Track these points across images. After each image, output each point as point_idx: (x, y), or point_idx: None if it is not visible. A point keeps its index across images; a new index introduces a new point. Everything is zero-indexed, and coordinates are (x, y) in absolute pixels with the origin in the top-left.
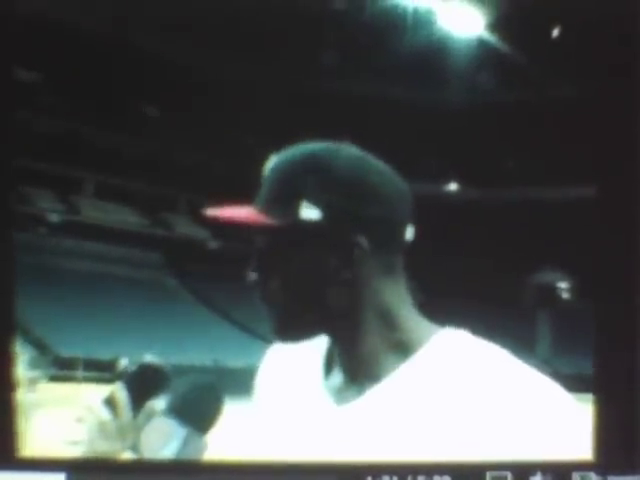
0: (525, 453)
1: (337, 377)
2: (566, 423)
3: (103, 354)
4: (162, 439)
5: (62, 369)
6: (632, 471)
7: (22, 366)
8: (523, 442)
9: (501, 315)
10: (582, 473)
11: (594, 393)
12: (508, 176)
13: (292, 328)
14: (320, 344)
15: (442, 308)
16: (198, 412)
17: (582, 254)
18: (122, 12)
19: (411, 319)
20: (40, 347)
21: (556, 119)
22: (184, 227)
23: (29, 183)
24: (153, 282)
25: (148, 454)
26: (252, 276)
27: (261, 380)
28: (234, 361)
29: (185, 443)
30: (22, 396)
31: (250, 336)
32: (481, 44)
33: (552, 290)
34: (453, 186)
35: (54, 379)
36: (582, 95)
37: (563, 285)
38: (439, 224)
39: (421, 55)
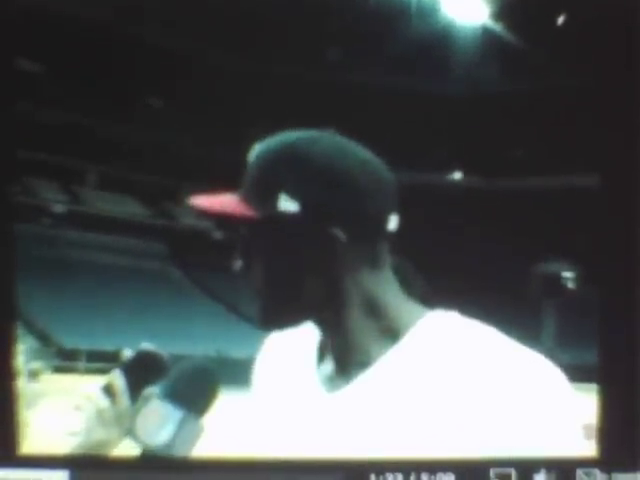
0: (518, 438)
1: (328, 365)
2: (560, 406)
3: (106, 345)
4: (158, 423)
5: (65, 360)
6: (636, 468)
7: (25, 357)
8: (516, 426)
9: (506, 305)
10: (586, 470)
11: (598, 390)
12: (513, 165)
13: (274, 317)
14: (314, 333)
15: (446, 298)
16: (193, 395)
17: (587, 244)
18: (125, 3)
19: (398, 304)
20: (43, 338)
21: (560, 108)
22: (187, 218)
23: (32, 174)
24: (156, 273)
25: (144, 438)
26: (237, 264)
27: (258, 369)
28: (237, 351)
29: (181, 426)
30: (24, 387)
31: (253, 326)
32: (485, 33)
33: (557, 280)
34: (458, 175)
35: (57, 370)
36: (587, 83)
37: (568, 275)
38: (443, 213)
39: (426, 44)
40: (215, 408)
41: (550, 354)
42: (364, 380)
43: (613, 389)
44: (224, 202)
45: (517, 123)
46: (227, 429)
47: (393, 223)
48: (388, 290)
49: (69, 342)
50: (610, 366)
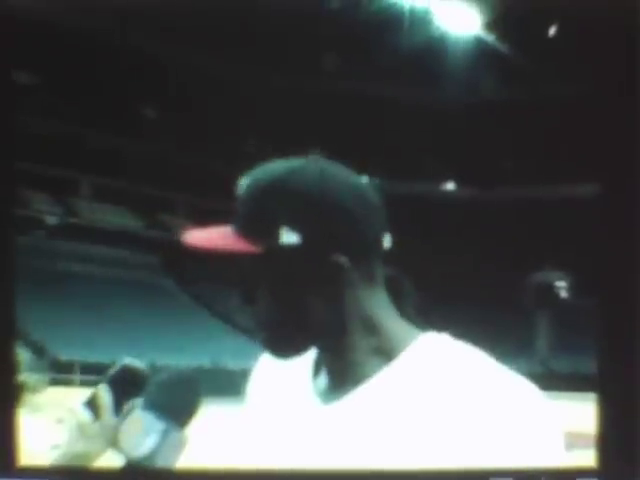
0: (498, 456)
1: (324, 379)
2: (539, 427)
3: (101, 357)
4: (141, 434)
5: (59, 372)
6: (635, 478)
7: (20, 370)
8: (497, 445)
9: (500, 314)
10: (586, 479)
11: (597, 400)
12: (506, 175)
13: (283, 347)
14: (310, 352)
15: (440, 309)
16: (175, 405)
17: (580, 253)
18: (120, 14)
19: (393, 324)
20: (37, 350)
21: (553, 118)
22: (182, 229)
23: (27, 185)
24: (151, 284)
25: (127, 449)
26: (238, 300)
27: (253, 383)
28: (232, 362)
29: (164, 437)
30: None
31: (248, 337)
32: (478, 43)
33: (551, 289)
34: (451, 186)
35: (51, 383)
36: (581, 92)
37: (562, 284)
38: (437, 224)
39: (419, 55)
40: (198, 418)
41: (544, 363)
42: (358, 395)
43: (612, 400)
44: (222, 238)
45: (511, 133)
46: (222, 440)
47: (387, 242)
48: (383, 309)
49: (64, 354)
50: (609, 378)
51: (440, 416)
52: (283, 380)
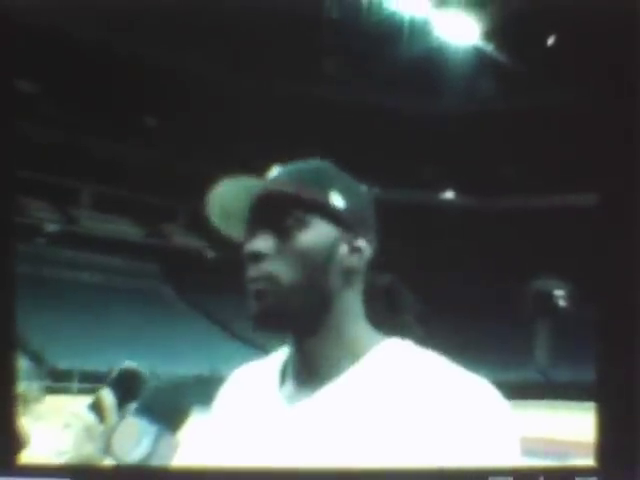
0: (453, 455)
1: (290, 384)
2: (495, 427)
3: (99, 366)
4: (133, 439)
5: (58, 381)
6: (634, 477)
7: (19, 378)
8: (452, 445)
9: (499, 324)
10: (585, 479)
11: (595, 399)
12: (505, 184)
13: (272, 316)
14: (277, 364)
15: (439, 317)
16: (167, 410)
17: (579, 261)
18: (122, 24)
19: (362, 327)
20: (36, 359)
21: (551, 127)
22: (181, 237)
23: (27, 194)
24: (150, 292)
25: (121, 454)
26: (262, 248)
27: (222, 397)
28: (231, 370)
29: (156, 442)
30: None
31: (247, 345)
32: (477, 53)
33: (550, 298)
34: (450, 194)
35: (49, 391)
36: (579, 102)
37: (560, 293)
38: (436, 232)
39: (419, 64)
40: (192, 422)
41: (543, 372)
42: (322, 396)
43: (610, 400)
44: (280, 183)
45: (509, 142)
46: (193, 443)
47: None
48: (357, 312)
49: (62, 363)
50: (607, 380)
51: (400, 416)
52: (253, 390)
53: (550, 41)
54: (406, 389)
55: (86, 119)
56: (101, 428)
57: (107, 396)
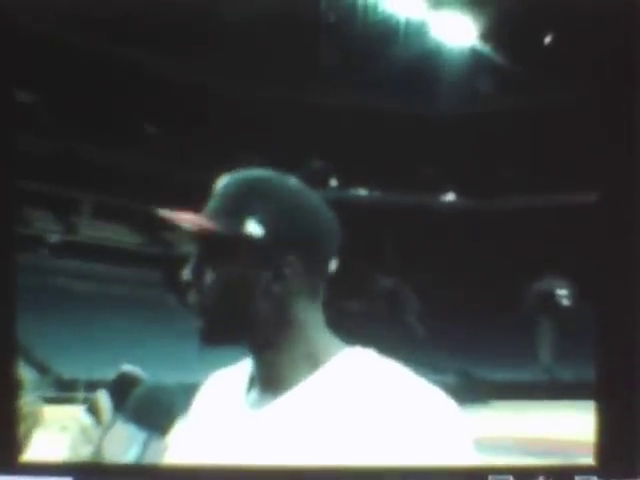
0: (408, 459)
1: (255, 391)
2: (448, 431)
3: (105, 375)
4: (122, 445)
5: (63, 391)
6: (633, 475)
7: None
8: (407, 448)
9: (502, 324)
10: (584, 477)
11: (595, 398)
12: (505, 185)
13: (217, 333)
14: (246, 369)
15: (442, 319)
16: (155, 415)
17: (582, 260)
18: (121, 32)
19: (323, 337)
20: (41, 369)
21: (551, 126)
22: (183, 244)
23: (27, 204)
24: (154, 301)
25: (110, 460)
26: (186, 276)
27: (196, 402)
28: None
29: (145, 447)
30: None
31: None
32: (475, 53)
33: (552, 297)
34: (451, 196)
35: (55, 401)
36: (579, 102)
37: (563, 292)
38: (438, 233)
39: (416, 66)
40: (177, 426)
41: (548, 372)
42: (283, 401)
43: (610, 399)
44: (192, 217)
45: (509, 143)
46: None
47: (334, 265)
48: (318, 323)
49: (67, 372)
50: (606, 379)
51: (357, 420)
52: (222, 396)
53: (547, 40)
54: (362, 395)
55: (85, 128)
56: (98, 431)
57: (103, 398)
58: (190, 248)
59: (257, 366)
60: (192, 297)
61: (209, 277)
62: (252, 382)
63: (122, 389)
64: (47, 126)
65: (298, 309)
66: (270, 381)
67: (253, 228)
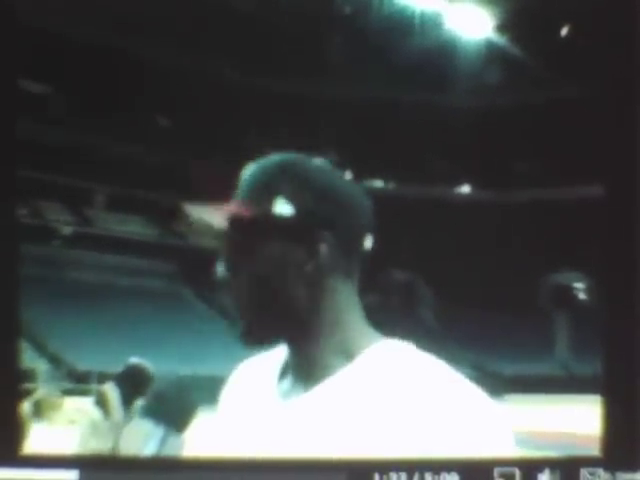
0: (444, 452)
1: (288, 381)
2: (483, 426)
3: (118, 366)
4: (140, 440)
5: (77, 382)
6: (639, 467)
7: (38, 380)
8: (443, 443)
9: (519, 318)
10: (590, 469)
11: (602, 390)
12: (521, 177)
13: (259, 329)
14: (279, 359)
15: (458, 312)
16: (173, 411)
17: (597, 254)
18: (129, 22)
19: (358, 325)
20: (55, 361)
21: (567, 119)
22: (197, 236)
23: (40, 196)
24: (168, 293)
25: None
26: (220, 273)
27: (227, 391)
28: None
29: (162, 443)
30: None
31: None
32: (490, 46)
33: (569, 291)
34: (466, 189)
35: (69, 393)
36: (593, 94)
37: (580, 286)
38: (454, 227)
39: (432, 58)
40: (195, 422)
41: (565, 366)
42: (317, 392)
43: (616, 391)
44: (223, 207)
45: (525, 135)
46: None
47: (369, 243)
48: (353, 309)
49: (81, 364)
50: (613, 370)
51: (392, 413)
52: (252, 386)
53: (563, 32)
54: (396, 388)
55: (98, 120)
56: (106, 423)
57: (110, 391)
58: (207, 242)
59: (291, 354)
60: (229, 295)
61: (242, 267)
62: (285, 370)
63: (130, 382)
64: (60, 119)
65: (333, 293)
66: (304, 370)
67: (282, 207)
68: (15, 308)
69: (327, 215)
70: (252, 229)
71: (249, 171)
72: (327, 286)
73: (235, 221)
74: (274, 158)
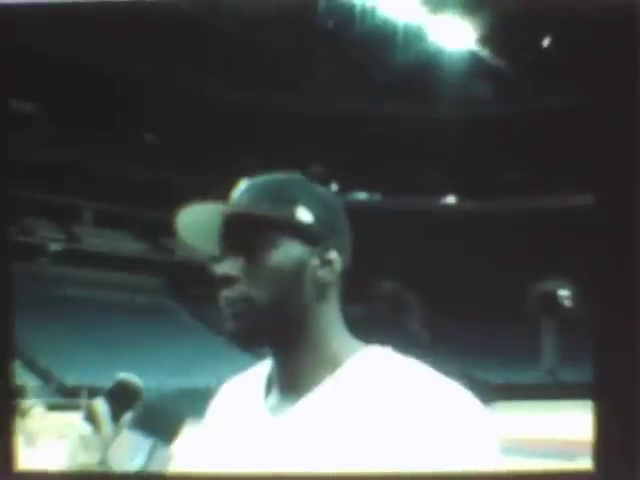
0: (434, 460)
1: (274, 395)
2: (473, 431)
3: (107, 381)
4: (128, 452)
5: (66, 397)
6: (631, 479)
7: (26, 396)
8: (432, 450)
9: (505, 326)
10: None
11: (593, 402)
12: (506, 187)
13: (262, 330)
14: (263, 374)
15: (445, 322)
16: (161, 423)
17: (583, 262)
18: (120, 41)
19: (339, 338)
20: (44, 377)
21: (552, 129)
22: (184, 251)
23: (28, 213)
24: (155, 307)
25: (117, 468)
26: (224, 269)
27: (212, 411)
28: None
29: (150, 455)
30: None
31: (253, 356)
32: (474, 57)
33: (555, 299)
34: (451, 199)
35: (58, 408)
36: (578, 103)
37: (566, 293)
38: (439, 237)
39: (416, 70)
40: (183, 434)
41: (552, 373)
42: (303, 405)
43: (608, 404)
44: (241, 205)
45: (510, 145)
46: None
47: (346, 262)
48: (336, 321)
49: (70, 379)
50: (604, 383)
51: (379, 422)
52: (239, 403)
53: (546, 42)
54: (382, 395)
55: (85, 137)
56: (96, 437)
57: (99, 405)
58: (194, 256)
59: (279, 368)
60: (230, 293)
61: (255, 269)
62: (270, 386)
63: (119, 397)
64: (47, 136)
65: (328, 305)
66: (289, 384)
67: (304, 214)
68: (9, 326)
69: (334, 228)
70: (273, 231)
71: (249, 184)
72: (326, 301)
73: (254, 221)
74: (275, 174)
